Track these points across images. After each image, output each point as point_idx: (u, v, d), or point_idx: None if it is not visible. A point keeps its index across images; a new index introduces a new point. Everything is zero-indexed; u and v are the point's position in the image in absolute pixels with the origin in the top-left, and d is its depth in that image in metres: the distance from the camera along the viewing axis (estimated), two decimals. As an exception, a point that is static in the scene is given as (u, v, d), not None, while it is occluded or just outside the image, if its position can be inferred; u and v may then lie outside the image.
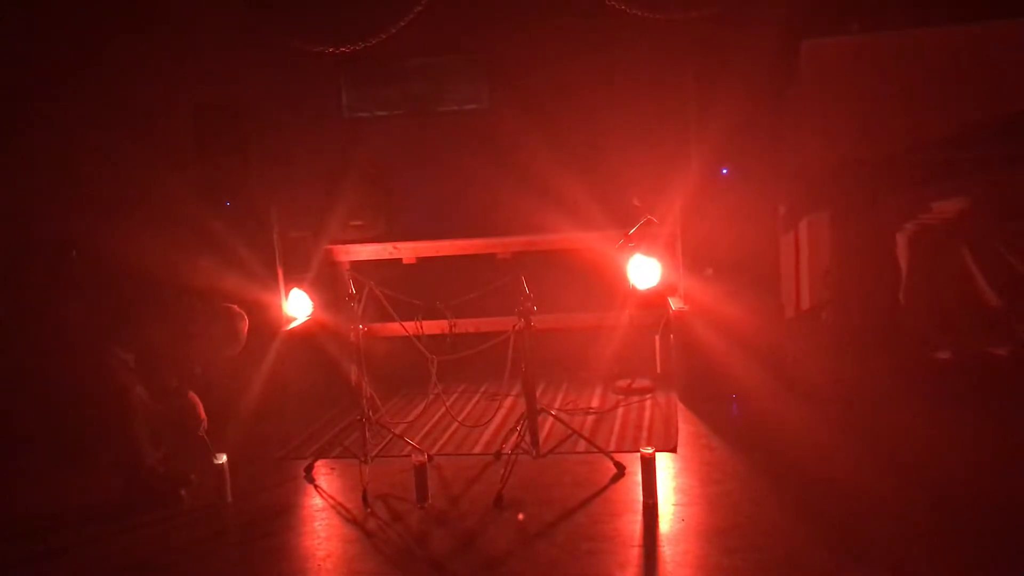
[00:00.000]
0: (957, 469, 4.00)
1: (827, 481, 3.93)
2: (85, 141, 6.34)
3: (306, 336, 5.76)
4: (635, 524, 3.64)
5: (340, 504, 4.07)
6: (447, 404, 5.30)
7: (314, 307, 5.83)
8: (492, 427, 4.99)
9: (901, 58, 5.18)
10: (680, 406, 5.16)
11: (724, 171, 5.33)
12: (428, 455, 4.40)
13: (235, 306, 4.53)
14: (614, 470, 4.17)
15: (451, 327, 4.75)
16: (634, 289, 5.49)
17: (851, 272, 5.38)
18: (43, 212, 6.09)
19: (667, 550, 3.39)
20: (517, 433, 4.35)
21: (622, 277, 5.51)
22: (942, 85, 5.10)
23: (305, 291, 5.82)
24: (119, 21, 6.23)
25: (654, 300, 5.62)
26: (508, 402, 5.40)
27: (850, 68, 5.25)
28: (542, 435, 4.49)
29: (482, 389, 5.76)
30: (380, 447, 4.72)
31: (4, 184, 6.24)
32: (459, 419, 5.11)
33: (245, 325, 4.50)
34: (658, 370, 5.69)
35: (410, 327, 4.72)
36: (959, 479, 3.89)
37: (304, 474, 4.45)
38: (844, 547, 3.31)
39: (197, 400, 4.37)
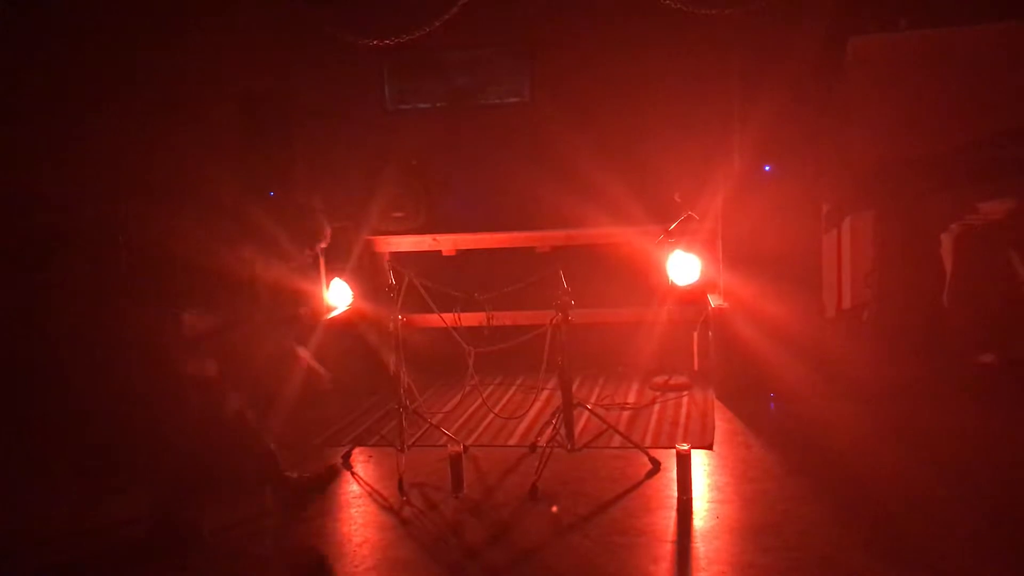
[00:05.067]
0: (998, 471, 3.94)
1: (865, 481, 3.90)
2: (133, 130, 6.45)
3: (346, 325, 5.82)
4: (669, 520, 3.64)
5: (376, 491, 4.11)
6: (483, 395, 5.32)
7: (354, 297, 5.89)
8: (528, 420, 5.02)
9: (949, 55, 5.10)
10: (717, 403, 5.13)
11: (767, 168, 5.29)
12: (464, 445, 4.43)
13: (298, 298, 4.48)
14: (649, 466, 4.17)
15: (489, 319, 4.76)
16: (673, 285, 5.47)
17: (894, 272, 5.32)
18: (91, 199, 6.21)
19: (701, 547, 3.38)
20: (552, 426, 4.36)
21: (661, 273, 5.50)
22: (991, 83, 5.02)
23: (346, 281, 5.88)
24: (167, 12, 6.33)
25: (693, 296, 5.59)
26: (544, 395, 5.42)
27: (897, 65, 5.19)
28: (578, 429, 4.50)
29: (518, 382, 5.78)
30: (417, 436, 4.76)
31: (54, 174, 6.38)
32: (495, 411, 5.13)
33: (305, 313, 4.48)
34: (695, 367, 5.67)
35: (448, 318, 4.76)
36: (1000, 481, 3.84)
37: (342, 461, 4.51)
38: (881, 547, 3.28)
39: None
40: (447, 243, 6.04)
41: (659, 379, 5.56)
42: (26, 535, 3.89)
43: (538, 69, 6.39)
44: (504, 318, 5.44)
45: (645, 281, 5.72)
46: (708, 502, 3.77)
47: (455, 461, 3.99)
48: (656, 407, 5.18)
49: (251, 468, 3.97)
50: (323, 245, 4.30)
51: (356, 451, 4.62)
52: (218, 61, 6.26)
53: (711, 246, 5.52)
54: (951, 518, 3.51)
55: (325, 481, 4.22)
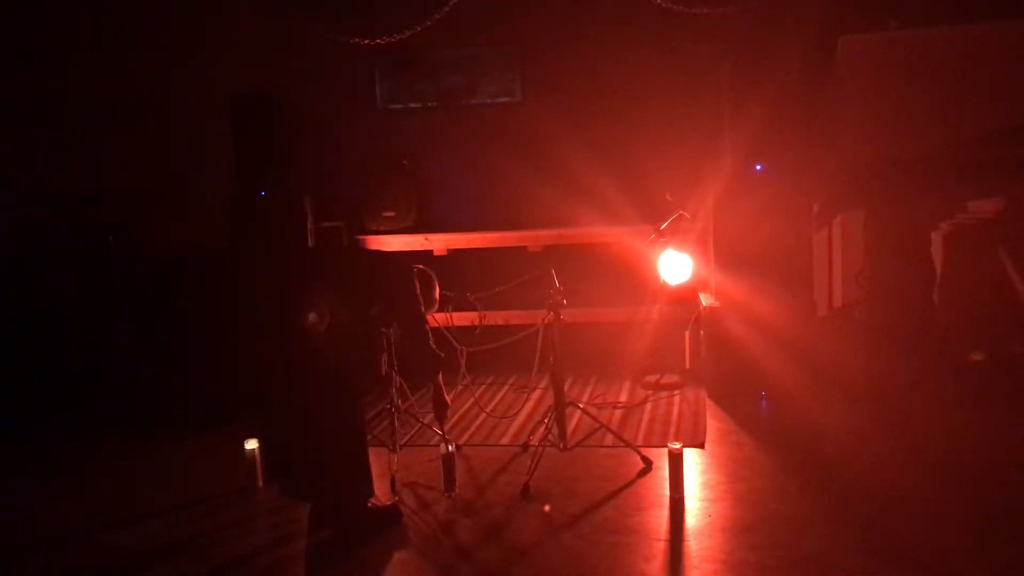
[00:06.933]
0: (988, 470, 3.96)
1: (856, 479, 3.91)
2: (124, 130, 6.44)
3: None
4: (661, 518, 3.64)
5: (368, 491, 4.10)
6: (475, 395, 5.32)
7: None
8: (520, 419, 5.01)
9: (940, 55, 5.11)
10: (709, 402, 5.14)
11: (758, 167, 5.30)
12: (456, 445, 4.42)
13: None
14: (641, 464, 4.18)
15: (480, 319, 4.76)
16: (665, 284, 5.48)
17: (885, 271, 5.32)
18: (84, 199, 6.20)
19: (693, 545, 3.39)
20: (545, 425, 4.37)
21: (653, 272, 5.50)
22: (981, 82, 5.03)
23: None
24: (159, 12, 6.32)
25: (685, 296, 5.60)
26: (536, 395, 5.42)
27: (887, 65, 5.20)
28: (570, 428, 4.50)
29: (510, 381, 5.77)
30: (409, 436, 4.76)
31: (51, 174, 6.38)
32: (487, 410, 5.13)
33: None
34: (687, 366, 5.68)
35: (440, 318, 4.74)
36: (990, 480, 3.86)
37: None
38: (871, 546, 3.29)
39: None
40: (438, 242, 6.03)
41: (651, 378, 5.56)
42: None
43: (529, 69, 6.39)
44: (496, 317, 5.43)
45: (637, 280, 5.73)
46: (700, 500, 3.77)
47: (447, 461, 3.99)
48: (648, 406, 5.18)
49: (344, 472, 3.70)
50: (434, 310, 4.25)
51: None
52: (210, 62, 6.26)
53: (702, 245, 5.53)
54: (941, 516, 3.52)
55: (386, 521, 3.77)
